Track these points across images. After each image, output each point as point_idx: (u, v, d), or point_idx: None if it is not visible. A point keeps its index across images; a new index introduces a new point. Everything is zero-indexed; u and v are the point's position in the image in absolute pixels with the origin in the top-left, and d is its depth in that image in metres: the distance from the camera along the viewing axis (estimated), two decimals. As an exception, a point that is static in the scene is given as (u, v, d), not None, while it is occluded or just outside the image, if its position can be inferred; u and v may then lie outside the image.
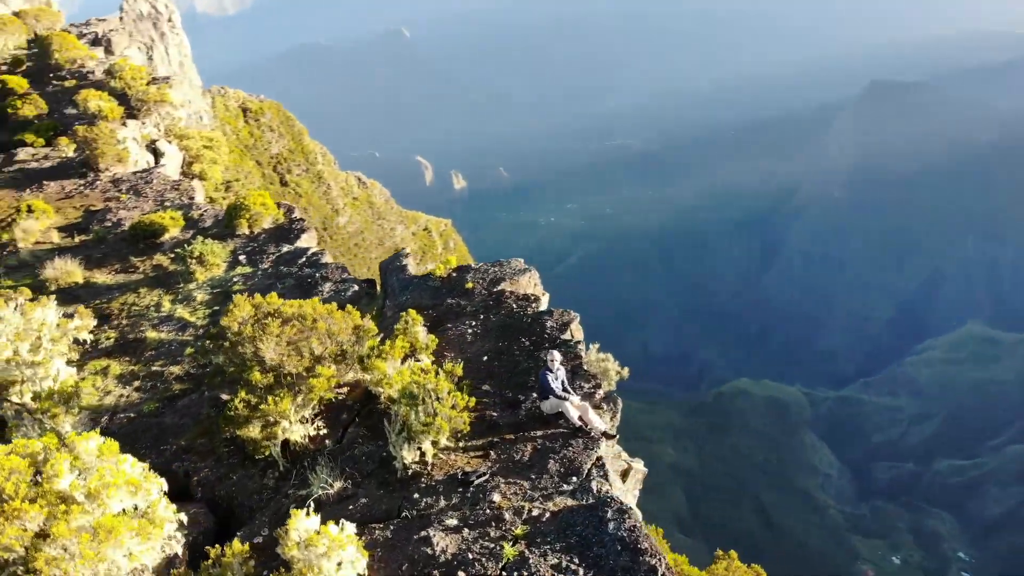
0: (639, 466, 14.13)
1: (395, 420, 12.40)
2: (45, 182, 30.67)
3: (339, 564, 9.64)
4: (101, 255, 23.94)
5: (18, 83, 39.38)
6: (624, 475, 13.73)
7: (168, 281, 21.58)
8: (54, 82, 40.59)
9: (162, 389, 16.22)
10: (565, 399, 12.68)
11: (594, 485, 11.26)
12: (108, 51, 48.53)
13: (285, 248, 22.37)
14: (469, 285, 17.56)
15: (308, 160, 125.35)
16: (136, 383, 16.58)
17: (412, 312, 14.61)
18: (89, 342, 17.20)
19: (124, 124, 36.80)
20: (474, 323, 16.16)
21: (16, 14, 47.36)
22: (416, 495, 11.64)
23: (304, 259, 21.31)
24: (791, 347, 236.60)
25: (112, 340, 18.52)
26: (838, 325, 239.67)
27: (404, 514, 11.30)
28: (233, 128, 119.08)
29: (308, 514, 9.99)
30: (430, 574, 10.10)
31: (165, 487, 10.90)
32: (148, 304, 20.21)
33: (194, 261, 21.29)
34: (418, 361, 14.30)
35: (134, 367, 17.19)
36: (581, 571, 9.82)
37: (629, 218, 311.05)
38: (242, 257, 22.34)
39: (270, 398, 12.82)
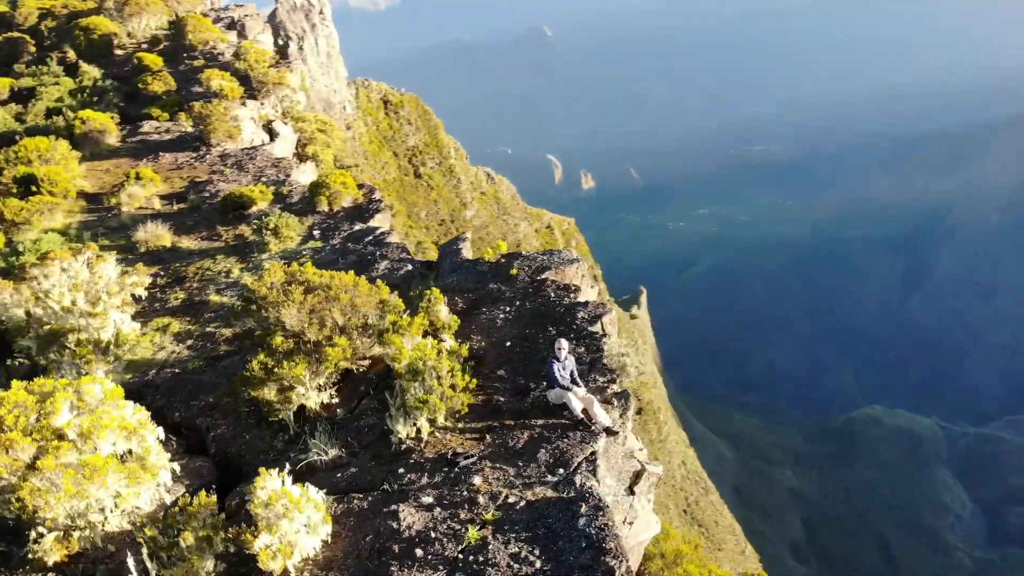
0: (655, 469, 13.43)
1: (397, 395, 12.36)
2: (161, 153, 32.71)
3: (299, 526, 9.69)
4: (193, 223, 25.30)
5: (153, 60, 42.18)
6: (636, 477, 13.08)
7: (244, 250, 22.52)
8: (186, 61, 43.24)
9: (210, 349, 16.92)
10: (569, 389, 12.24)
11: (578, 479, 10.79)
12: (241, 35, 51.11)
13: (358, 226, 22.86)
14: (514, 271, 17.32)
15: (442, 154, 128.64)
16: (189, 341, 17.39)
17: (435, 291, 14.55)
18: (145, 298, 18.17)
19: (243, 104, 38.76)
20: (508, 309, 15.91)
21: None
22: (402, 470, 11.56)
23: (371, 237, 21.70)
24: (931, 377, 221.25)
25: (180, 301, 19.52)
26: (984, 358, 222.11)
27: (384, 487, 11.24)
28: (374, 119, 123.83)
29: (279, 475, 10.08)
30: (390, 547, 9.99)
31: (161, 435, 11.32)
32: (220, 270, 21.16)
33: (269, 232, 22.13)
34: (440, 340, 14.21)
35: (191, 327, 18.04)
36: (538, 563, 9.42)
37: (765, 228, 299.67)
38: (316, 232, 23.03)
39: (286, 363, 13.07)
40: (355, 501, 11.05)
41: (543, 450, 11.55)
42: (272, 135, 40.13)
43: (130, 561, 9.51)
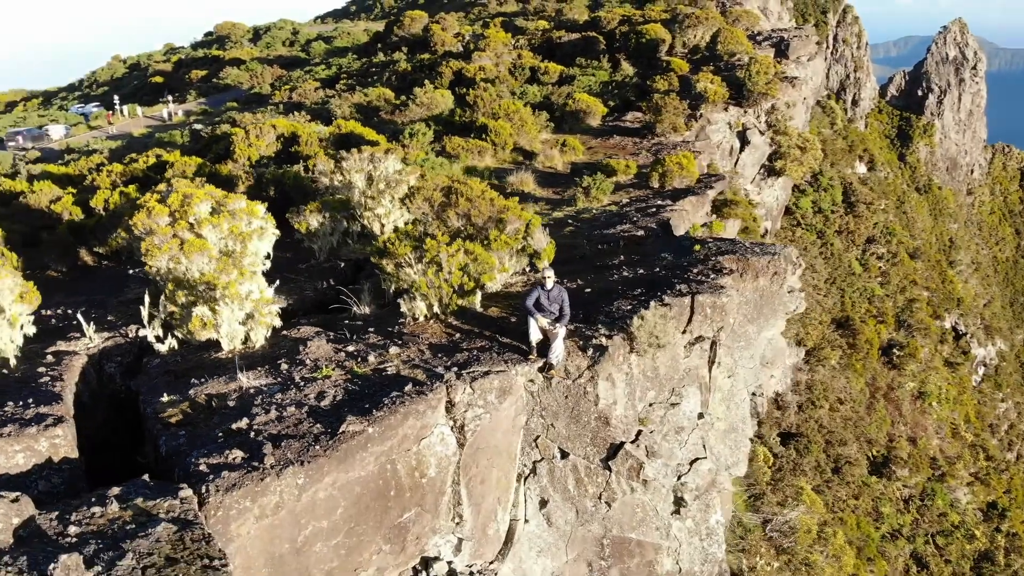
0: (639, 454, 11.65)
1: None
2: (616, 135, 36.63)
3: (237, 315, 12.15)
4: (563, 181, 28.52)
5: (679, 65, 46.32)
6: (612, 451, 11.81)
7: (562, 203, 24.88)
8: (704, 69, 46.33)
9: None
10: (532, 315, 11.81)
11: (443, 376, 10.75)
12: (782, 53, 51.91)
13: (661, 202, 23.15)
14: (696, 248, 16.15)
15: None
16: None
17: (535, 218, 14.95)
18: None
19: (725, 108, 40.43)
20: (640, 271, 15.19)
21: (723, 12, 54.81)
22: (372, 330, 12.95)
23: (652, 209, 21.92)
24: None
25: (474, 221, 22.95)
26: None
27: (344, 333, 12.79)
28: (1002, 189, 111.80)
29: (252, 280, 12.58)
30: (281, 356, 11.77)
31: (268, 251, 14.69)
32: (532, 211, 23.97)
33: (580, 191, 24.12)
34: (532, 269, 14.79)
35: (454, 236, 21.30)
36: (305, 409, 10.21)
37: None
38: (624, 200, 24.08)
39: (397, 242, 15.34)
40: (324, 335, 12.92)
41: (466, 354, 11.67)
42: (744, 142, 40.97)
43: (144, 311, 13.27)
